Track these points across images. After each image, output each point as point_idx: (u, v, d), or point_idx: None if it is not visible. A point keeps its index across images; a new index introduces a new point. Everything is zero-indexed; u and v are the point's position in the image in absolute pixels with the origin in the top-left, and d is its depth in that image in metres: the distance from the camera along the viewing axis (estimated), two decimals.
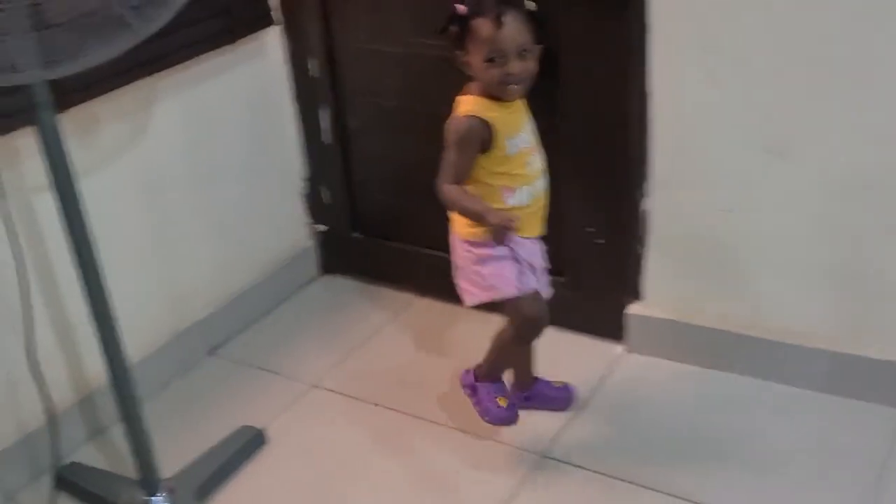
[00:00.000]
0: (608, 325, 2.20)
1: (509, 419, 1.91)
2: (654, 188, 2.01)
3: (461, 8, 1.67)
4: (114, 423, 2.04)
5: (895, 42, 1.67)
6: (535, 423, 1.98)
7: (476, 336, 2.33)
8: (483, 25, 1.64)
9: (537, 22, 1.68)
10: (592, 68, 1.99)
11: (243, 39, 2.28)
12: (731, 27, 1.80)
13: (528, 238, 1.81)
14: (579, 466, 1.86)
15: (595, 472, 1.84)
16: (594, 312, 2.22)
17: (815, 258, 1.90)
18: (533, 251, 1.82)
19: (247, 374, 2.27)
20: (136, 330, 2.08)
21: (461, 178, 1.73)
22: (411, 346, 2.34)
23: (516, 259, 1.77)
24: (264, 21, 2.34)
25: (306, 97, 2.46)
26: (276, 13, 2.37)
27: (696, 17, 1.82)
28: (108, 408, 1.90)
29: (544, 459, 1.90)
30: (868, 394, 1.92)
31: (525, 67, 1.68)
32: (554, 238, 2.19)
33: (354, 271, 2.63)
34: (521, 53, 1.66)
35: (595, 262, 2.17)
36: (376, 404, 2.11)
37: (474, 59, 1.68)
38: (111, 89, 1.98)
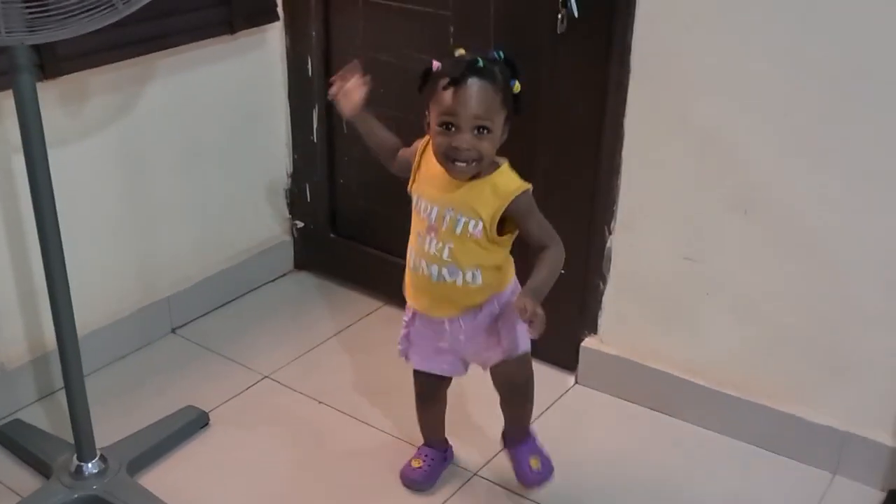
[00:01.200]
0: (562, 355, 2.22)
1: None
2: (620, 228, 2.04)
3: (435, 64, 1.54)
4: (62, 389, 2.08)
5: (857, 118, 1.70)
6: (473, 442, 2.01)
7: None
8: (445, 87, 1.49)
9: (513, 98, 1.53)
10: (571, 105, 2.02)
11: (245, 31, 2.33)
12: (706, 99, 1.84)
13: (427, 315, 1.71)
14: (508, 490, 1.89)
15: (523, 496, 1.87)
16: (550, 341, 2.23)
17: (768, 316, 1.92)
18: (431, 332, 1.73)
19: (203, 357, 2.30)
20: (100, 298, 2.13)
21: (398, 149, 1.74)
22: (370, 351, 2.36)
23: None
24: (267, 16, 2.39)
25: (300, 95, 2.51)
26: (280, 10, 2.41)
27: (676, 73, 1.85)
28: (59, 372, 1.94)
29: (476, 478, 1.92)
30: (802, 454, 1.95)
31: (476, 145, 1.50)
32: (519, 266, 2.24)
33: (327, 271, 2.67)
34: (477, 129, 1.49)
35: (556, 292, 2.19)
36: (321, 402, 2.14)
37: (432, 121, 1.54)
38: (105, 63, 2.02)
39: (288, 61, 2.48)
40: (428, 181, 1.62)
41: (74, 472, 1.80)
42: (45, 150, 1.59)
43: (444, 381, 1.83)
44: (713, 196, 1.90)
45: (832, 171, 1.76)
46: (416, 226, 1.66)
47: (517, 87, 1.52)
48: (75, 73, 1.96)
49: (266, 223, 2.62)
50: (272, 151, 2.57)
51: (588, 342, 2.19)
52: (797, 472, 1.93)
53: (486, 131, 1.50)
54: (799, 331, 1.90)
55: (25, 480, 1.86)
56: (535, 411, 2.07)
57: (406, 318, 1.77)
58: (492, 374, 1.75)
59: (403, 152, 1.72)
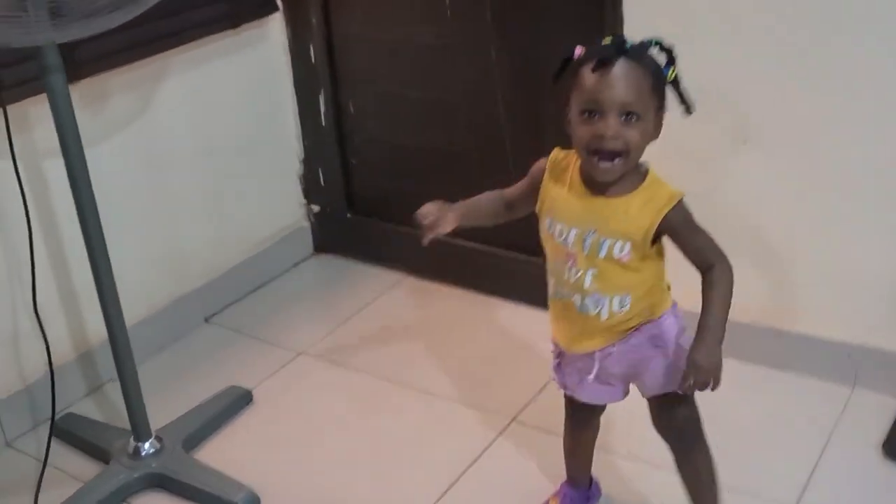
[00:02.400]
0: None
1: None
2: None
3: (578, 49, 1.35)
4: (110, 381, 2.17)
5: (851, 34, 1.79)
6: (506, 390, 2.10)
7: (457, 313, 2.47)
8: (587, 71, 1.31)
9: (668, 88, 1.34)
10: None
11: (248, 24, 2.42)
12: (699, 31, 1.91)
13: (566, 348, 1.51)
14: (549, 432, 1.95)
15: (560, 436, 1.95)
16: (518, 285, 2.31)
17: (774, 240, 2.01)
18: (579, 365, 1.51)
19: (238, 342, 2.39)
20: (135, 294, 2.21)
21: (507, 191, 1.56)
22: (398, 320, 2.45)
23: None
24: (268, 7, 2.47)
25: (306, 81, 2.59)
26: (279, 0, 2.50)
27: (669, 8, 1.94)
28: (106, 364, 2.03)
29: (514, 424, 2.01)
30: (820, 372, 2.04)
31: (622, 134, 1.30)
32: (533, 219, 2.33)
33: (347, 251, 2.75)
34: (626, 116, 1.30)
35: None
36: (357, 370, 2.24)
37: (572, 112, 1.34)
38: (122, 64, 2.11)
39: (291, 50, 2.56)
40: (562, 200, 1.42)
41: (133, 454, 1.90)
42: (81, 147, 1.68)
43: (598, 408, 1.63)
44: (713, 129, 1.97)
45: (830, 89, 1.84)
46: (552, 252, 1.46)
47: (672, 73, 1.33)
48: (94, 76, 2.05)
49: (283, 210, 2.71)
50: (283, 139, 2.65)
51: None
52: (818, 390, 2.02)
53: (634, 118, 1.30)
54: (805, 252, 1.98)
55: (86, 467, 1.95)
56: None
57: (554, 350, 1.57)
58: (652, 416, 1.53)
59: (521, 185, 1.52)
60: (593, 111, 1.30)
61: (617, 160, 1.32)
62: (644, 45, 1.33)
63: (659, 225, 1.35)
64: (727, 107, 1.92)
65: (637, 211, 1.36)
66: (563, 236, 1.41)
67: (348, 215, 2.72)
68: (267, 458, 1.96)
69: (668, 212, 1.35)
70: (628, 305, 1.41)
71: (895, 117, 1.80)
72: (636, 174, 1.37)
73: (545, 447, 1.90)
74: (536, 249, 2.35)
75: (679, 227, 1.36)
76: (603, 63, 1.29)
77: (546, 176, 1.45)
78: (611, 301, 1.41)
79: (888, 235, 1.88)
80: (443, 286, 2.57)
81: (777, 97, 1.88)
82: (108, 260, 1.77)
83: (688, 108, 1.35)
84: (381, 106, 2.54)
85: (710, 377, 1.32)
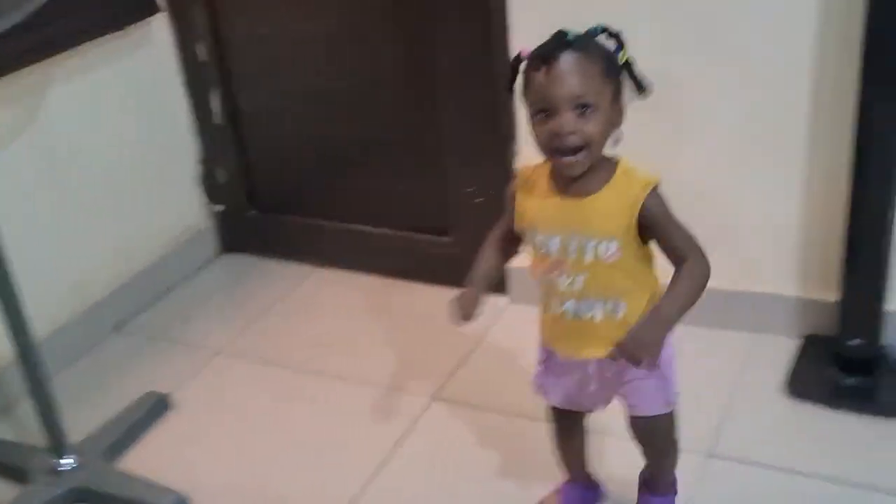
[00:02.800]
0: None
1: None
2: (522, 148, 2.17)
3: (524, 50, 1.31)
4: (21, 400, 2.11)
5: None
6: (426, 366, 2.13)
7: (370, 299, 2.47)
8: (533, 71, 1.28)
9: (621, 71, 1.29)
10: (460, 39, 2.14)
11: (131, 26, 2.37)
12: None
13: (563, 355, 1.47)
14: (472, 406, 2.01)
15: (483, 409, 2.00)
16: None
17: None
18: (572, 374, 1.49)
19: (151, 348, 2.36)
20: (41, 307, 2.14)
21: (492, 234, 1.50)
22: (311, 312, 2.46)
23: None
24: (149, 8, 2.43)
25: (196, 81, 2.56)
26: (162, 0, 2.46)
27: None
28: (17, 382, 1.97)
29: (434, 402, 2.05)
30: (721, 321, 2.12)
31: (579, 127, 1.25)
32: (439, 200, 2.36)
33: (254, 248, 2.74)
34: (580, 108, 1.25)
35: (476, 220, 2.31)
36: (275, 365, 2.24)
37: (529, 115, 1.30)
38: (3, 74, 2.05)
39: (178, 49, 2.53)
40: (538, 210, 1.37)
41: (52, 471, 1.86)
42: None
43: (581, 413, 1.59)
44: None
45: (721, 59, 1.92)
46: (540, 266, 1.40)
47: (624, 55, 1.29)
48: None
49: (186, 212, 2.68)
50: (179, 141, 2.62)
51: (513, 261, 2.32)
52: (719, 339, 2.11)
53: (589, 109, 1.26)
54: (692, 205, 2.05)
55: (4, 490, 1.90)
56: (477, 333, 2.19)
57: (541, 357, 1.54)
58: (630, 425, 1.52)
59: (506, 219, 1.46)
60: (546, 110, 1.26)
61: (580, 153, 1.27)
62: (589, 34, 1.29)
63: (639, 215, 1.31)
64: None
65: (614, 205, 1.32)
66: (547, 246, 1.36)
67: (252, 213, 2.70)
68: (192, 460, 1.95)
69: (645, 199, 1.30)
70: (623, 310, 1.37)
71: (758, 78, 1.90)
72: (606, 168, 1.33)
73: (469, 420, 1.95)
74: (445, 229, 2.44)
75: (657, 216, 1.31)
76: (547, 60, 1.25)
77: (518, 193, 1.41)
78: (605, 304, 1.37)
79: (780, 183, 1.98)
80: (354, 274, 2.58)
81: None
82: (11, 275, 1.73)
83: (642, 90, 1.30)
84: (275, 101, 2.53)
85: (642, 354, 1.29)
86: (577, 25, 1.29)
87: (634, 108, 1.33)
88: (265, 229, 2.71)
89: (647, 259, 1.38)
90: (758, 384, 1.97)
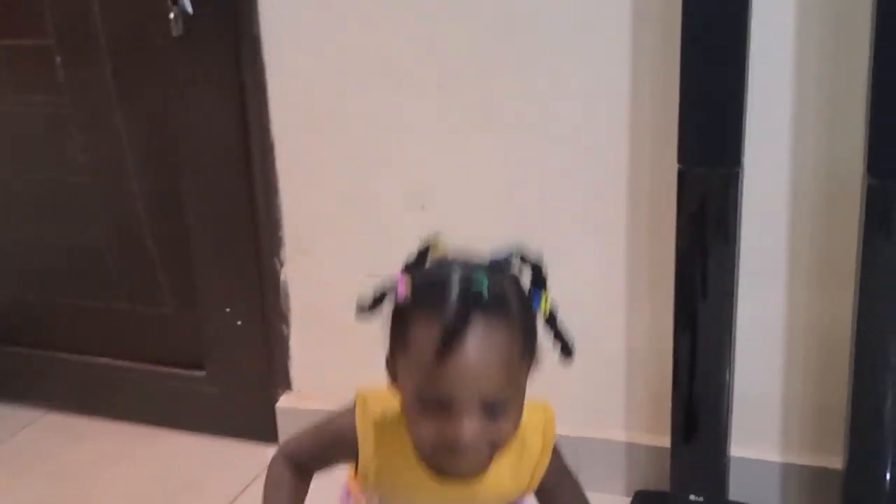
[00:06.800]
0: (258, 424, 1.88)
1: None
2: (293, 256, 1.77)
3: (400, 291, 0.92)
4: None
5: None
6: None
7: (108, 450, 1.98)
8: (422, 336, 0.88)
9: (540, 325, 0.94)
10: (209, 120, 1.74)
11: None
12: (355, 84, 1.62)
13: None
14: None
15: None
16: (241, 410, 1.90)
17: None
18: None
19: None
20: None
21: (295, 455, 1.11)
22: (32, 466, 1.91)
23: None
24: None
25: None
26: None
27: (314, 60, 1.64)
28: None
29: None
30: None
31: (488, 433, 0.90)
32: (190, 325, 1.92)
33: None
34: (489, 409, 0.89)
35: (237, 348, 1.86)
36: None
37: (403, 385, 0.94)
38: None
39: None
40: (407, 487, 1.02)
41: None
42: None
43: None
44: (387, 197, 1.67)
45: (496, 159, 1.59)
46: None
47: (546, 306, 0.93)
48: None
49: None
50: None
51: (284, 401, 1.86)
52: None
53: (500, 409, 0.90)
54: None
55: None
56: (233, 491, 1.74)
57: None
58: None
59: (311, 446, 1.11)
60: (441, 403, 0.88)
61: (484, 455, 0.93)
62: (500, 272, 0.92)
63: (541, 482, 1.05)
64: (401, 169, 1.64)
65: (510, 476, 1.02)
66: None
67: None
68: None
69: (549, 464, 1.05)
70: None
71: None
72: None
73: None
74: (200, 362, 1.98)
75: (557, 480, 1.08)
76: (450, 337, 0.85)
77: (367, 440, 1.01)
78: None
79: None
80: (93, 420, 2.05)
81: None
82: None
83: (567, 352, 0.94)
84: None
85: None
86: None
87: None
88: None
89: None
90: None
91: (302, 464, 1.09)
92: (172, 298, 1.93)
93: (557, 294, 1.56)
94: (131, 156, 1.87)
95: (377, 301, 0.94)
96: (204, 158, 1.76)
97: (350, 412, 1.03)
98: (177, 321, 1.94)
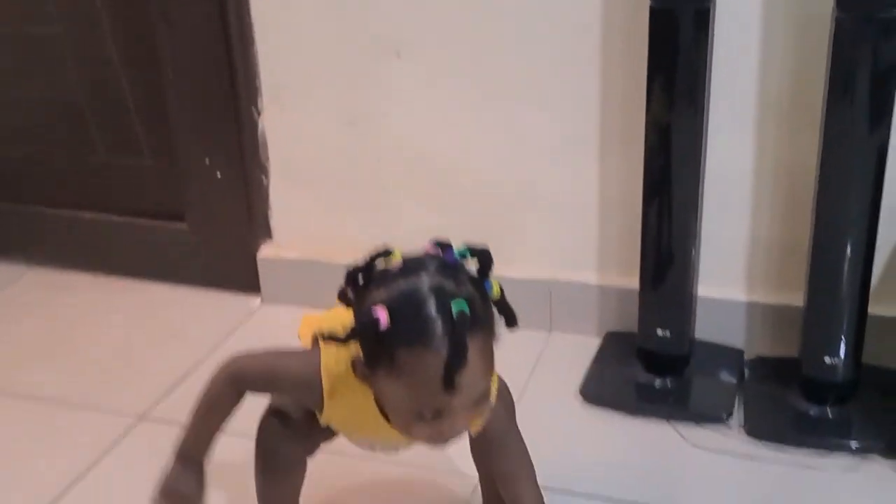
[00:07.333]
0: (240, 274, 1.92)
1: None
2: (270, 105, 1.76)
3: (383, 319, 0.92)
4: None
5: None
6: (135, 385, 1.69)
7: (89, 303, 2.00)
8: (417, 367, 0.94)
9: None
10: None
11: None
12: None
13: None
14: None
15: None
16: (223, 260, 1.93)
17: (448, 168, 1.71)
18: None
19: None
20: None
21: (244, 382, 1.11)
22: (13, 321, 1.95)
23: None
24: None
25: None
26: None
27: None
28: None
29: (143, 422, 1.59)
30: None
31: (476, 414, 1.01)
32: (170, 177, 1.93)
33: None
34: (476, 402, 0.99)
35: (218, 199, 1.88)
36: None
37: (389, 395, 0.99)
38: None
39: None
40: (372, 432, 1.10)
41: None
42: None
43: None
44: (363, 44, 1.66)
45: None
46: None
47: (496, 290, 1.00)
48: None
49: None
50: None
51: (265, 251, 1.89)
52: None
53: (483, 400, 1.00)
54: (482, 185, 1.71)
55: None
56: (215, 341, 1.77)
57: None
58: None
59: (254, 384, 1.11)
60: (436, 414, 0.97)
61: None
62: (458, 272, 0.98)
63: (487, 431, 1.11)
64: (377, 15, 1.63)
65: None
66: (373, 445, 1.16)
67: None
68: None
69: (495, 405, 1.08)
70: None
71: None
72: None
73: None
74: (181, 214, 2.00)
75: (503, 427, 1.14)
76: (453, 371, 0.91)
77: (333, 391, 1.05)
78: None
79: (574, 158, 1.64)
80: (76, 274, 2.08)
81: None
82: None
83: (513, 322, 1.00)
84: None
85: None
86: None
87: None
88: None
89: None
90: (552, 386, 1.61)
91: (247, 390, 1.11)
92: (150, 150, 1.94)
93: (534, 142, 1.60)
94: (105, 7, 1.85)
95: (353, 335, 0.97)
96: (179, 6, 1.74)
97: (311, 359, 1.06)
98: (156, 173, 1.95)
